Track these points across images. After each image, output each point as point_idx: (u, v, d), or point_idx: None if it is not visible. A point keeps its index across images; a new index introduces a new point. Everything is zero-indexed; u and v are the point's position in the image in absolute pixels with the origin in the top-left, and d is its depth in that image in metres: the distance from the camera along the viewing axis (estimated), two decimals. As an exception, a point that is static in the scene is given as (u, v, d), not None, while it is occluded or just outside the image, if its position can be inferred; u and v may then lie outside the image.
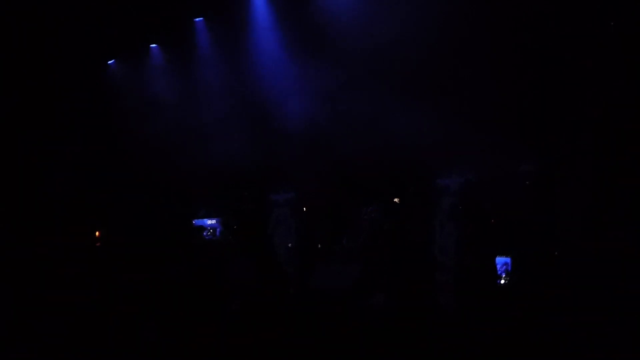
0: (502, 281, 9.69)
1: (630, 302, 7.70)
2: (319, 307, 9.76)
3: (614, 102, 9.00)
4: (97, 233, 13.21)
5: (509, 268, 10.24)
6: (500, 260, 10.62)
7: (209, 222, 13.22)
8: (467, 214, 10.04)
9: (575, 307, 8.03)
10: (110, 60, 14.75)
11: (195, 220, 13.33)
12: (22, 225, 11.84)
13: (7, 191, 12.31)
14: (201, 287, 10.64)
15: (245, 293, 10.32)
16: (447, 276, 9.59)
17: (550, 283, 8.80)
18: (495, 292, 9.22)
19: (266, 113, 12.41)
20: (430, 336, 8.22)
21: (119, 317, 9.58)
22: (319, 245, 11.82)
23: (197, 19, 13.76)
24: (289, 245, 11.35)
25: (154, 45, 14.36)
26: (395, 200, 11.29)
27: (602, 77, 9.02)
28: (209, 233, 13.12)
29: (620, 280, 8.15)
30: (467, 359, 7.58)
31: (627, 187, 8.90)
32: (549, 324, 7.81)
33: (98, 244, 13.24)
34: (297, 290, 10.72)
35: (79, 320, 9.40)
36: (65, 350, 8.49)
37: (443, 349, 7.87)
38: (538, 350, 7.41)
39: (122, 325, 9.28)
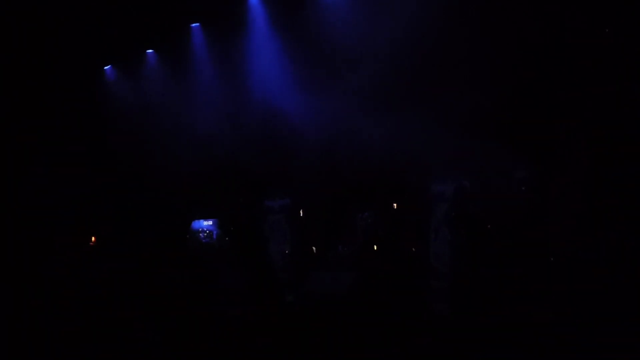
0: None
1: (623, 306, 7.73)
2: (314, 313, 9.78)
3: (607, 108, 9.02)
4: (92, 239, 13.22)
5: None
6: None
7: (205, 223, 13.21)
8: (462, 220, 10.05)
9: (569, 311, 8.05)
10: (106, 65, 14.74)
11: (192, 222, 13.33)
12: (19, 228, 11.86)
13: (3, 195, 12.32)
14: (197, 292, 10.65)
15: (241, 299, 10.34)
16: (442, 282, 9.59)
17: (545, 287, 8.82)
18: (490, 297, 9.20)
19: (261, 119, 12.41)
20: (426, 342, 8.24)
21: (117, 320, 9.60)
22: (314, 252, 11.81)
23: (193, 25, 13.75)
24: (285, 251, 11.35)
25: (150, 50, 14.35)
26: (393, 205, 11.31)
27: (596, 83, 9.04)
28: (205, 236, 13.11)
29: (613, 284, 8.18)
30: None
31: (621, 193, 8.92)
32: (545, 329, 7.83)
33: (92, 244, 13.27)
34: (293, 297, 10.72)
35: (77, 323, 9.43)
36: (64, 351, 8.52)
37: (438, 354, 7.89)
38: (533, 355, 7.42)
39: (120, 329, 9.30)
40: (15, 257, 11.17)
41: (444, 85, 10.02)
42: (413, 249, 10.69)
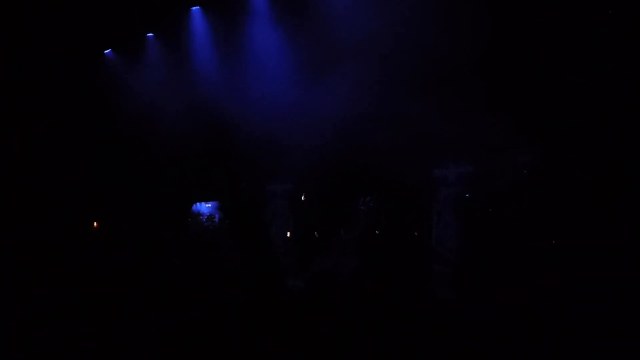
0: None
1: (625, 290, 7.76)
2: (316, 299, 9.82)
3: (610, 93, 8.98)
4: (95, 224, 13.24)
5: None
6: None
7: (206, 206, 13.23)
8: (464, 204, 10.06)
9: (572, 297, 8.09)
10: (106, 49, 14.67)
11: (193, 205, 13.36)
12: (19, 219, 11.88)
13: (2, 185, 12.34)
14: (199, 277, 10.69)
15: (243, 284, 10.37)
16: (444, 267, 9.63)
17: (547, 273, 8.85)
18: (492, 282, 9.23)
19: (263, 102, 12.36)
20: (427, 326, 8.26)
21: (119, 306, 9.64)
22: (317, 237, 11.84)
23: (193, 8, 13.67)
24: (287, 236, 11.37)
25: (150, 34, 14.27)
26: (395, 189, 11.31)
27: (599, 68, 9.00)
28: (207, 219, 13.15)
29: (616, 269, 8.21)
30: (464, 349, 7.61)
31: (624, 176, 8.91)
32: (547, 314, 7.86)
33: (94, 230, 13.30)
34: (295, 282, 10.76)
35: (79, 311, 9.47)
36: (65, 339, 8.55)
37: (440, 339, 7.91)
38: (534, 340, 7.45)
39: (122, 315, 9.34)
40: (18, 247, 11.21)
41: (448, 69, 9.97)
42: (415, 234, 10.72)
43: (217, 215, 13.08)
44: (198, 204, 13.28)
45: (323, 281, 10.13)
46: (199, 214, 13.20)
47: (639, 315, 7.23)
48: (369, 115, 10.85)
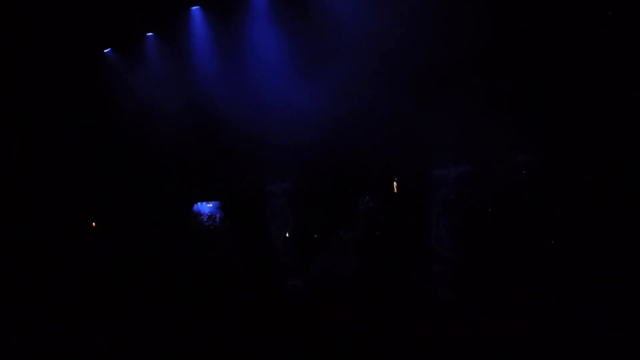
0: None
1: (625, 290, 7.76)
2: (316, 298, 9.82)
3: (610, 92, 8.99)
4: (93, 224, 13.24)
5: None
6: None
7: (208, 206, 13.24)
8: (464, 204, 10.06)
9: (572, 297, 8.09)
10: (106, 49, 14.67)
11: (195, 205, 13.37)
12: (20, 219, 11.88)
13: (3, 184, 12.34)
14: (200, 276, 10.69)
15: (243, 283, 10.38)
16: (443, 266, 9.61)
17: (547, 273, 8.85)
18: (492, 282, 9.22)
19: (264, 102, 12.37)
20: (427, 326, 8.26)
21: (119, 306, 9.65)
22: (316, 236, 11.84)
23: (193, 8, 13.67)
24: (287, 236, 11.37)
25: (150, 34, 14.27)
26: (395, 189, 11.31)
27: (599, 68, 9.00)
28: (208, 218, 13.15)
29: (616, 269, 8.21)
30: (464, 349, 7.60)
31: (624, 176, 8.92)
32: (547, 314, 7.85)
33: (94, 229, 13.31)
34: (295, 281, 10.75)
35: (79, 311, 9.47)
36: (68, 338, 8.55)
37: (440, 339, 7.91)
38: (534, 340, 7.45)
39: (122, 315, 9.34)
40: (18, 247, 11.22)
41: (448, 70, 9.97)
42: (415, 234, 10.71)
43: (218, 215, 13.08)
44: (199, 203, 13.29)
45: (323, 281, 10.14)
46: (199, 213, 13.21)
47: (639, 315, 7.22)
48: (369, 115, 10.86)
